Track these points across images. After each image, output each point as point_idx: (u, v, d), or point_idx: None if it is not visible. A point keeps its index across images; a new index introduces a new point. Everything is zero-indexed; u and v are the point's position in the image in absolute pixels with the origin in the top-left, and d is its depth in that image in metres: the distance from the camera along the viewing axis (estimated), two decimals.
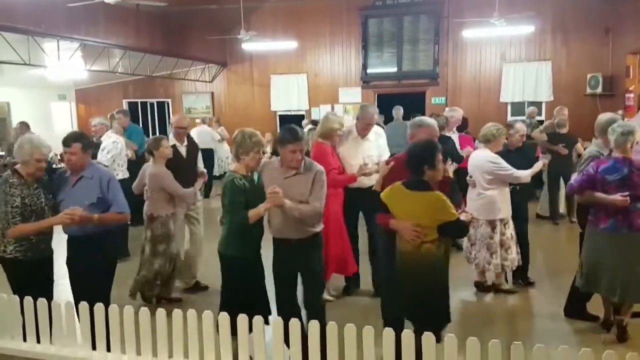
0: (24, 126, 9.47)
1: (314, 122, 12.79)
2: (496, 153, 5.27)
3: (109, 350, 3.37)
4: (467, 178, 5.36)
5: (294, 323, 2.90)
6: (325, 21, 13.76)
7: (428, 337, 2.73)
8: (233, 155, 3.81)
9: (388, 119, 10.64)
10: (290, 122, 13.42)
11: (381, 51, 13.62)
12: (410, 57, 13.42)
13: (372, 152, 5.20)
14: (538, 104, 12.43)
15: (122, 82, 15.04)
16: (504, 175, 5.17)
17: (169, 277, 5.36)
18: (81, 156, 3.93)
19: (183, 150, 5.68)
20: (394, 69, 13.53)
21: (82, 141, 3.96)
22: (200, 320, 3.06)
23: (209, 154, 10.74)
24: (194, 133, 9.06)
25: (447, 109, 7.93)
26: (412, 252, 3.52)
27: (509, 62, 12.78)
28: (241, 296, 3.74)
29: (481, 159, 5.28)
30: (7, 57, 9.10)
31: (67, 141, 3.91)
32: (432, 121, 4.11)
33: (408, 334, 2.73)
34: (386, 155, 5.26)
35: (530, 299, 5.39)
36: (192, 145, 5.84)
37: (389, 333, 2.78)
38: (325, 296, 4.91)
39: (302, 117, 14.28)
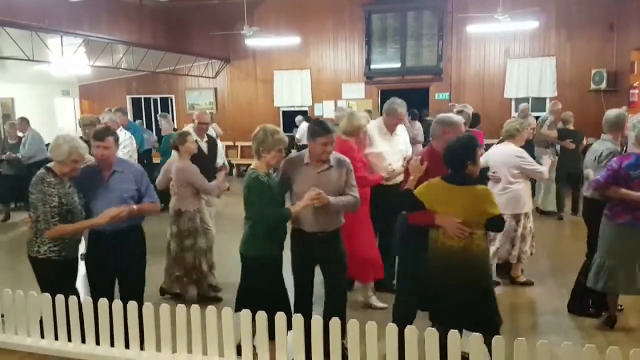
0: (25, 122, 9.47)
1: (307, 119, 12.89)
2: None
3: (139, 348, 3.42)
4: (490, 173, 5.36)
5: (317, 321, 2.95)
6: (329, 16, 13.73)
7: (453, 335, 2.74)
8: (253, 152, 3.70)
9: None
10: (294, 117, 13.39)
11: (385, 47, 13.59)
12: (414, 52, 13.39)
13: (401, 146, 5.23)
14: (542, 100, 12.41)
15: (126, 78, 15.06)
16: (530, 170, 5.30)
17: (201, 274, 5.23)
18: (114, 150, 3.90)
19: (204, 145, 5.66)
20: (398, 65, 13.50)
21: (114, 135, 3.94)
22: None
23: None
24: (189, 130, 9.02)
25: (456, 105, 7.90)
26: (460, 247, 3.42)
27: (513, 58, 12.74)
28: (266, 296, 3.63)
29: (507, 153, 5.36)
30: (10, 53, 9.11)
31: (101, 135, 3.84)
32: (460, 119, 4.07)
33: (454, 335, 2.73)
34: (409, 150, 5.28)
35: (534, 294, 5.38)
36: (211, 141, 5.87)
37: (432, 333, 2.82)
38: (375, 302, 4.89)
39: (305, 112, 14.30)
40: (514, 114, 12.48)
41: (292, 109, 14.41)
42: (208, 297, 5.20)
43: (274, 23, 13.49)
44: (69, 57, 10.04)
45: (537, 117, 10.70)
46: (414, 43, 13.34)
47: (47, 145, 11.73)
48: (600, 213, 4.32)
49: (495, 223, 3.48)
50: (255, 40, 12.55)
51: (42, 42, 9.05)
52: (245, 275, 3.79)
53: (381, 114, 5.61)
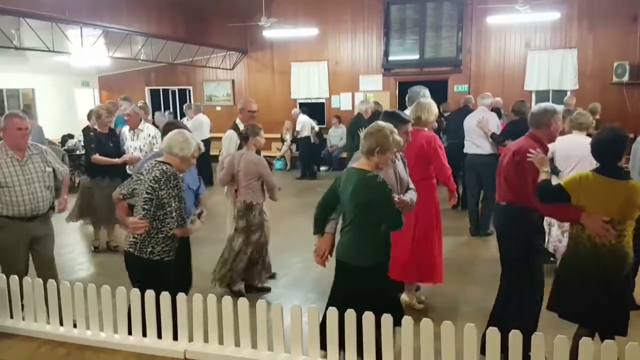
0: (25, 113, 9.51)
1: (303, 111, 12.91)
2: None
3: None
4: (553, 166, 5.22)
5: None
6: (347, 7, 13.66)
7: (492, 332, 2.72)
8: (365, 149, 3.28)
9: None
10: (311, 109, 13.35)
11: (403, 38, 13.49)
12: (433, 44, 13.27)
13: None
14: (563, 93, 12.23)
15: (144, 69, 15.14)
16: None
17: (263, 266, 5.24)
18: None
19: None
20: (416, 56, 13.40)
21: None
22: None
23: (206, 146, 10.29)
24: (189, 125, 8.96)
25: (482, 95, 7.84)
26: (608, 245, 3.21)
27: (533, 50, 12.55)
28: (376, 303, 3.27)
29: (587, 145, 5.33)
30: (31, 44, 9.19)
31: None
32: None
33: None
34: None
35: None
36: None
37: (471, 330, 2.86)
38: (415, 303, 4.80)
39: (322, 105, 14.28)
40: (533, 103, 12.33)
41: (309, 100, 14.39)
42: (261, 287, 5.29)
43: (291, 14, 13.46)
44: (89, 48, 10.12)
45: None
46: (433, 34, 13.22)
47: (69, 136, 11.90)
48: None
49: None
50: (273, 32, 12.54)
51: (62, 33, 9.12)
52: (355, 286, 3.31)
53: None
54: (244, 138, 5.08)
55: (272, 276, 5.55)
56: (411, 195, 3.66)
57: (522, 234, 3.65)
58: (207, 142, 10.29)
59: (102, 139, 6.47)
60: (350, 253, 3.31)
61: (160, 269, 3.53)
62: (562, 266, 3.49)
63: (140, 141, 6.60)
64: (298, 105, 14.34)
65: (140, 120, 6.80)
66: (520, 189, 3.62)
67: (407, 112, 4.69)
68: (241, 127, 5.44)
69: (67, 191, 4.69)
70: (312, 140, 12.89)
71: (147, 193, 3.44)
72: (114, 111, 8.28)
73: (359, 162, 3.36)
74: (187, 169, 3.75)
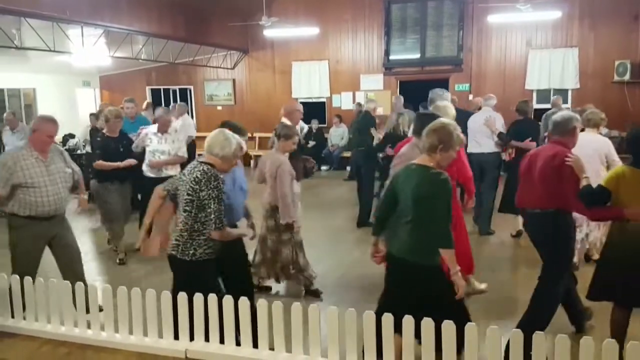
0: (14, 118, 9.42)
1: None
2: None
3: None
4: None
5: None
6: (348, 6, 13.65)
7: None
8: (427, 146, 3.21)
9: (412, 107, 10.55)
10: (311, 109, 13.35)
11: (404, 37, 13.48)
12: (434, 43, 13.26)
13: None
14: (564, 91, 12.22)
15: (145, 69, 15.15)
16: (616, 160, 5.26)
17: (299, 266, 5.06)
18: None
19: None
20: (417, 55, 13.39)
21: None
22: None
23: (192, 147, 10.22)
24: (176, 125, 8.78)
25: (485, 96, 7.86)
26: None
27: (534, 49, 12.54)
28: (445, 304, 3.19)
29: (602, 141, 5.39)
30: (32, 44, 9.21)
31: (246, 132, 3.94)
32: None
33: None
34: None
35: None
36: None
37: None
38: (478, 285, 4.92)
39: (323, 104, 14.27)
40: (535, 105, 12.32)
41: (310, 100, 14.39)
42: (263, 287, 5.19)
43: (292, 13, 13.46)
44: (90, 48, 10.13)
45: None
46: (434, 33, 13.21)
47: (70, 135, 11.91)
48: None
49: None
50: (274, 31, 12.54)
51: (63, 33, 9.13)
52: (427, 288, 3.19)
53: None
54: (278, 139, 4.94)
55: (315, 293, 5.15)
56: None
57: (565, 237, 3.81)
58: (192, 144, 10.33)
59: (111, 143, 6.15)
60: (417, 252, 3.19)
61: (203, 271, 3.47)
62: (608, 256, 3.62)
63: (169, 145, 6.32)
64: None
65: (170, 123, 6.54)
66: (561, 194, 3.71)
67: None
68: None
69: (83, 189, 4.82)
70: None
71: (188, 194, 3.38)
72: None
73: (419, 158, 3.27)
74: (232, 169, 3.68)
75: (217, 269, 3.58)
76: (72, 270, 4.21)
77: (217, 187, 3.33)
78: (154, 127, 6.46)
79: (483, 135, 7.16)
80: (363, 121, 8.26)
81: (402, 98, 9.59)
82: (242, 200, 4.11)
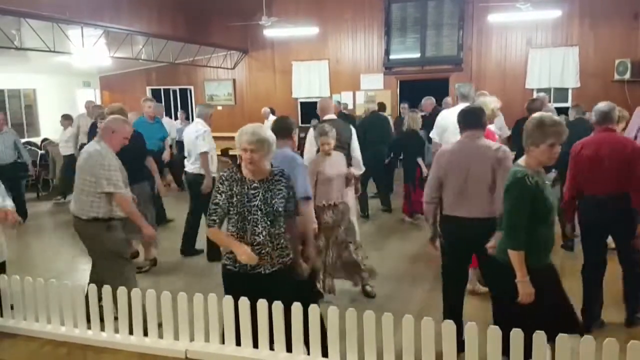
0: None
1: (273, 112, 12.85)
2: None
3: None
4: None
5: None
6: (348, 6, 13.65)
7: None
8: (527, 145, 3.04)
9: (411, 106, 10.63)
10: (312, 109, 13.43)
11: (404, 36, 13.48)
12: (434, 42, 13.25)
13: None
14: (564, 90, 12.22)
15: (146, 69, 15.16)
16: None
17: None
18: None
19: None
20: (417, 55, 13.38)
21: None
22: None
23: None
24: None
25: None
26: None
27: (535, 48, 12.54)
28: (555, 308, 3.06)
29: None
30: (32, 44, 9.21)
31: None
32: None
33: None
34: None
35: None
36: None
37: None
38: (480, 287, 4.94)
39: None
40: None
41: (310, 99, 14.39)
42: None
43: (292, 13, 13.46)
44: (90, 49, 10.13)
45: (559, 108, 10.57)
46: (434, 33, 13.20)
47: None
48: None
49: None
50: (274, 31, 12.55)
51: (63, 33, 9.13)
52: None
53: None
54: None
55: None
56: None
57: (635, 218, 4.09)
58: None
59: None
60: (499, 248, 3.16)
61: (226, 279, 3.34)
62: None
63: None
64: (299, 105, 14.36)
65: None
66: (628, 178, 4.00)
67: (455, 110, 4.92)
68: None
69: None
70: None
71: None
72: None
73: (523, 158, 3.13)
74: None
75: None
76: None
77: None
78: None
79: None
80: (378, 122, 8.83)
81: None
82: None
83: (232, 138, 4.11)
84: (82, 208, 4.23)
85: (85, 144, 6.22)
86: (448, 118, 5.58)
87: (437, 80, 13.17)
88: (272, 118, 12.69)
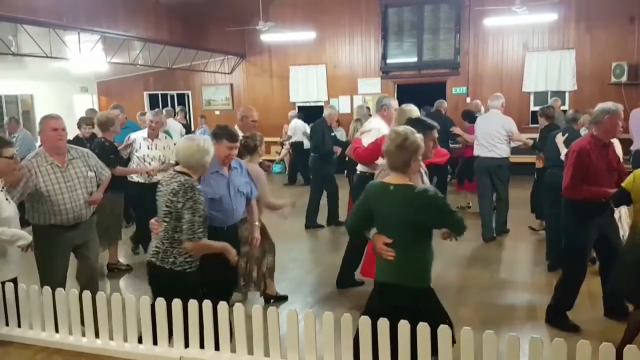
0: (14, 122, 9.27)
1: (299, 116, 12.87)
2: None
3: None
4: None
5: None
6: (345, 11, 13.67)
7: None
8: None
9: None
10: (309, 113, 13.38)
11: (401, 41, 13.50)
12: (431, 46, 13.28)
13: None
14: (561, 94, 12.23)
15: (143, 74, 15.16)
16: None
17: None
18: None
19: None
20: (414, 59, 13.40)
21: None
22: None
23: None
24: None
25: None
26: None
27: (531, 51, 12.55)
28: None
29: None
30: (29, 50, 9.22)
31: (236, 137, 4.00)
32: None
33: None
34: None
35: None
36: None
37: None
38: None
39: (321, 108, 14.25)
40: (532, 108, 12.36)
41: (308, 104, 14.39)
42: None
43: (289, 18, 13.47)
44: (87, 54, 10.13)
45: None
46: (431, 37, 13.23)
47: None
48: None
49: None
50: (271, 36, 12.56)
51: (60, 39, 9.14)
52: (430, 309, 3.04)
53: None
54: (249, 148, 4.86)
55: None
56: None
57: None
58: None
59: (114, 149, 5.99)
60: (412, 274, 3.02)
61: (182, 281, 3.44)
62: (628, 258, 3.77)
63: (159, 151, 6.20)
64: (297, 109, 14.35)
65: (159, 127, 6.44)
66: None
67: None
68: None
69: (103, 188, 4.54)
70: (305, 146, 12.82)
71: (167, 206, 3.36)
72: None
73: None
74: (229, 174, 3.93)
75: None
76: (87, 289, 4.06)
77: (192, 198, 3.32)
78: (143, 132, 6.32)
79: (496, 139, 6.96)
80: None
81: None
82: (241, 203, 4.10)
83: None
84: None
85: None
86: None
87: (435, 84, 13.18)
88: (295, 123, 12.48)
